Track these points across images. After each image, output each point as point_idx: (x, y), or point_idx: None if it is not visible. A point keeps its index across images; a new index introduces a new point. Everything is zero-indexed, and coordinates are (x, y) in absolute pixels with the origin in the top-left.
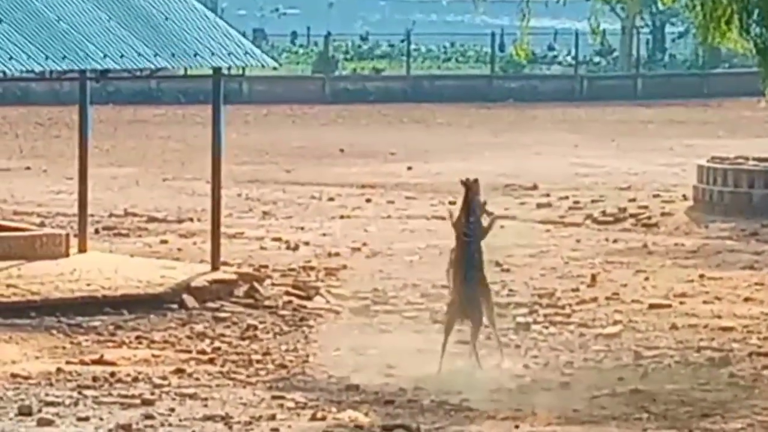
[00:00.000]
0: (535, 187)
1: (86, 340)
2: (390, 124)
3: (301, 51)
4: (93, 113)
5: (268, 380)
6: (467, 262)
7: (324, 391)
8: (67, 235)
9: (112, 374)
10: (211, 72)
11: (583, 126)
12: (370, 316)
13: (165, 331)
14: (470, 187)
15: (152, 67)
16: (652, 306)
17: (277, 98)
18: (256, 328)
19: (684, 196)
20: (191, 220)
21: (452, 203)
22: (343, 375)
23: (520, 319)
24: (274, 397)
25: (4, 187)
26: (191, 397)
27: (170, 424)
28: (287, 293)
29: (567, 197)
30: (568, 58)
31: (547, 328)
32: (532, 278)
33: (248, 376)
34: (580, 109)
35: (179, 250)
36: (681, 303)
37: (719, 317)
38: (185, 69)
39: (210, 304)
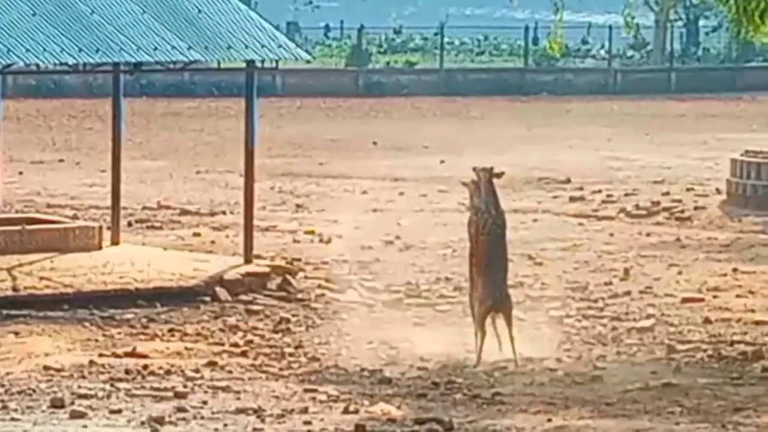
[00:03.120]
0: (568, 181)
1: (119, 333)
2: (423, 118)
3: (334, 44)
4: (126, 106)
5: (300, 373)
6: (500, 253)
7: (356, 384)
8: (100, 227)
9: (145, 367)
10: (244, 65)
11: (617, 119)
12: (402, 309)
13: (198, 324)
14: (496, 175)
15: (186, 59)
16: (685, 300)
17: (310, 91)
18: (288, 321)
19: (717, 189)
20: (224, 212)
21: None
22: (376, 368)
23: (552, 313)
24: (306, 390)
25: (37, 179)
26: (224, 389)
27: (202, 417)
28: (320, 286)
29: (600, 191)
30: (602, 52)
31: (579, 321)
32: (564, 272)
33: (281, 369)
34: (613, 102)
35: (212, 242)
36: (714, 297)
37: (752, 311)
38: (219, 62)
39: (243, 297)
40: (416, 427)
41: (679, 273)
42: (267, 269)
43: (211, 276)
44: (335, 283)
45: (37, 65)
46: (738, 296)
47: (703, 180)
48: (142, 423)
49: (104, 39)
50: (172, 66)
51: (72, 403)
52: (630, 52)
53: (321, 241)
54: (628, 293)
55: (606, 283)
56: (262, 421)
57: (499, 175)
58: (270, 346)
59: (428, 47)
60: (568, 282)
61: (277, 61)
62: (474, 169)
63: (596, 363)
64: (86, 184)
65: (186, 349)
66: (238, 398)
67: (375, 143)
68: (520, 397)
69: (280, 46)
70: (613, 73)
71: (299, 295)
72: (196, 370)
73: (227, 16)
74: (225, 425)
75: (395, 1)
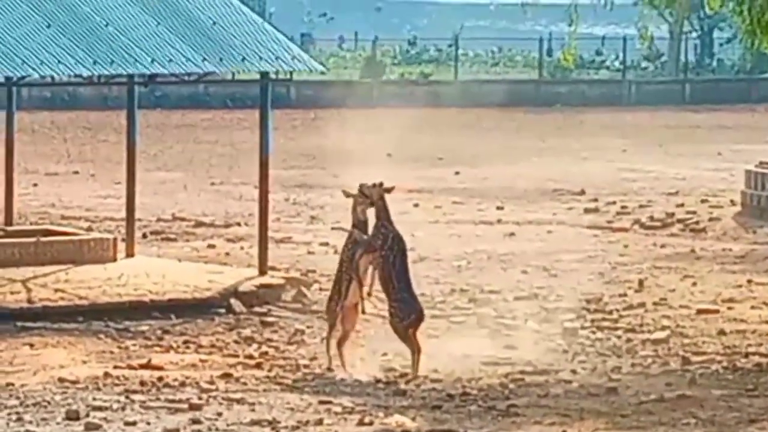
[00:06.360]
0: (582, 192)
1: (134, 345)
2: (437, 129)
3: (348, 56)
4: (141, 118)
5: (315, 385)
6: (406, 268)
7: (371, 396)
8: (115, 239)
9: (160, 379)
10: (258, 76)
11: (631, 131)
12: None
13: (212, 336)
14: (386, 190)
15: (200, 71)
16: (699, 311)
17: (324, 103)
18: (303, 332)
19: (732, 201)
20: (239, 224)
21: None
22: (391, 380)
23: (567, 324)
24: (321, 402)
25: (52, 191)
26: (238, 401)
27: (217, 429)
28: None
29: (614, 202)
30: (616, 63)
31: (594, 333)
32: (579, 283)
33: (295, 381)
34: (627, 113)
35: (227, 254)
36: (729, 308)
37: (767, 323)
38: (233, 73)
39: (257, 309)
40: None
41: (694, 284)
42: (282, 281)
43: (225, 288)
44: None
45: (52, 77)
46: (753, 308)
47: (718, 191)
48: None
49: (119, 51)
50: (186, 78)
51: (87, 415)
52: (644, 64)
53: (335, 252)
54: (642, 305)
55: (621, 295)
56: None
57: (389, 190)
58: (285, 358)
59: (442, 59)
60: (582, 293)
61: (291, 73)
62: (360, 186)
63: (611, 375)
64: (101, 196)
65: (201, 361)
66: (253, 410)
67: (389, 155)
68: (535, 409)
69: (294, 57)
70: (627, 84)
71: (314, 307)
72: (211, 382)
73: (241, 28)
74: None
75: (409, 13)
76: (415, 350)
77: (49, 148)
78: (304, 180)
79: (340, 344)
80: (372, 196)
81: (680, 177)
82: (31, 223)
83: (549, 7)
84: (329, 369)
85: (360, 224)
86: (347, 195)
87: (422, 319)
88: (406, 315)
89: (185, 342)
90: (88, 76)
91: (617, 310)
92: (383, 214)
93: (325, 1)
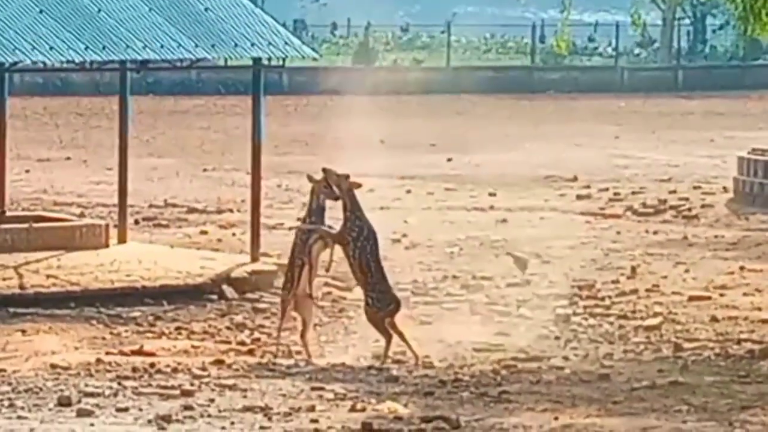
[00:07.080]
0: (575, 179)
1: (126, 331)
2: (430, 116)
3: (341, 42)
4: (133, 104)
5: (307, 371)
6: (378, 257)
7: (363, 383)
8: (107, 225)
9: (152, 365)
10: (251, 62)
11: (624, 117)
12: (409, 307)
13: (204, 322)
14: (355, 185)
15: (192, 57)
16: (692, 298)
17: (317, 89)
18: (295, 318)
19: (724, 187)
20: (231, 210)
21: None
22: (383, 366)
23: (559, 311)
24: (313, 388)
25: (44, 177)
26: (231, 388)
27: (209, 415)
28: (326, 284)
29: (607, 189)
30: (609, 50)
31: (586, 319)
32: (571, 270)
33: (288, 367)
34: (620, 100)
35: (219, 240)
36: (721, 295)
37: (759, 309)
38: (225, 59)
39: (249, 295)
40: (423, 425)
41: (686, 271)
42: (274, 267)
43: (218, 274)
44: (342, 281)
45: (44, 63)
46: (745, 294)
47: (710, 178)
48: (149, 421)
49: (111, 36)
50: (178, 64)
51: (79, 402)
52: (637, 50)
53: None
54: (635, 291)
55: (613, 281)
56: (269, 419)
57: (358, 186)
58: (277, 344)
59: (435, 45)
60: (575, 280)
61: (283, 59)
62: (325, 171)
63: (603, 361)
64: (93, 182)
65: (193, 347)
66: (245, 396)
67: (382, 141)
68: (527, 396)
69: (286, 43)
70: (620, 71)
71: None
72: (203, 368)
73: (234, 14)
74: (232, 423)
75: None
76: (390, 338)
77: (41, 134)
78: (296, 166)
79: (303, 336)
80: (341, 186)
81: (673, 164)
82: (23, 209)
83: None
84: (275, 356)
85: (318, 211)
86: (311, 180)
87: (399, 309)
88: (385, 305)
89: (177, 328)
90: (80, 61)
91: (609, 297)
92: (355, 205)
93: None
